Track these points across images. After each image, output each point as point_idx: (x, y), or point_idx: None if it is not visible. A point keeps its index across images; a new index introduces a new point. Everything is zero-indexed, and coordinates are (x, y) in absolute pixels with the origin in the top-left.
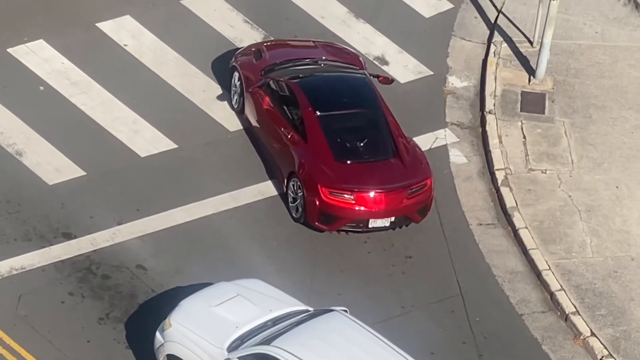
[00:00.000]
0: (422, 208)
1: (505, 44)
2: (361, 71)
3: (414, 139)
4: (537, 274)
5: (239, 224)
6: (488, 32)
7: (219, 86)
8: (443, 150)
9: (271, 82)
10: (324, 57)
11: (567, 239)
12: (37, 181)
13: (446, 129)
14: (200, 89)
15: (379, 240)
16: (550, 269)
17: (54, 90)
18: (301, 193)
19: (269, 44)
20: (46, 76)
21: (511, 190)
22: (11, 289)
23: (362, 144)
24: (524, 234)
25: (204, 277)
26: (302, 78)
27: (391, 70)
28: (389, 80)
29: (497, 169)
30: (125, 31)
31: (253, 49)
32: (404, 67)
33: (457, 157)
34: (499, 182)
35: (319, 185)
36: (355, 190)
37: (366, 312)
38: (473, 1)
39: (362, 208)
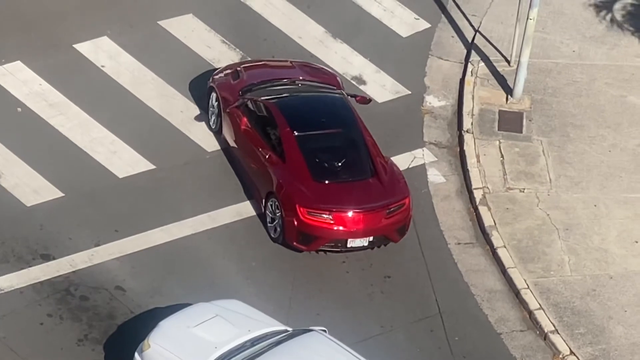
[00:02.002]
0: (400, 227)
1: (482, 63)
2: (338, 91)
3: (392, 158)
4: (516, 292)
5: (217, 244)
6: (465, 51)
7: (197, 107)
8: (421, 169)
9: (249, 102)
10: (301, 77)
11: (546, 257)
12: (15, 203)
13: (424, 148)
14: (178, 110)
15: (357, 259)
16: (528, 287)
17: (32, 111)
18: (279, 213)
19: (246, 64)
20: (24, 98)
21: (489, 209)
22: None
23: (340, 164)
24: (503, 253)
25: (183, 298)
26: (280, 98)
27: (369, 89)
28: (366, 100)
29: (475, 188)
30: (102, 52)
31: (230, 70)
32: (381, 87)
33: (435, 176)
34: (477, 201)
35: (297, 205)
36: (334, 210)
37: (345, 332)
38: (450, 20)
39: (341, 228)
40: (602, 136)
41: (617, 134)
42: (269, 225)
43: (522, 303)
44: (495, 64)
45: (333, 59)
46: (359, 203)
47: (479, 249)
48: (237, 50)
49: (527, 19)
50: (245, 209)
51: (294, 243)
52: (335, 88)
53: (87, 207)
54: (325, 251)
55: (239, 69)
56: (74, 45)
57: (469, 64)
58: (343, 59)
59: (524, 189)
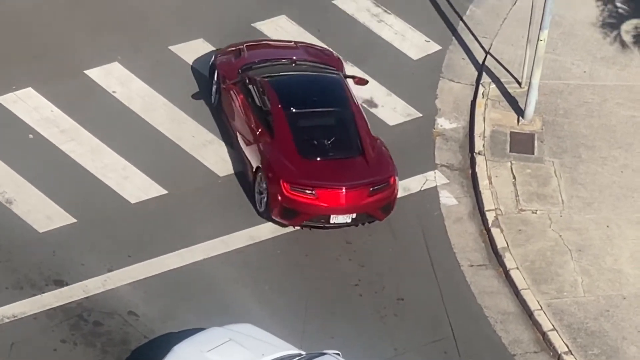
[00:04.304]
0: (385, 206)
1: (493, 85)
2: (336, 71)
3: (403, 180)
4: (529, 314)
5: (230, 268)
6: (476, 73)
7: (208, 131)
8: (433, 192)
9: (246, 80)
10: (301, 57)
11: (559, 278)
12: (28, 229)
13: (436, 170)
14: (190, 135)
15: (370, 282)
16: (542, 309)
17: (43, 138)
18: (265, 187)
19: (250, 43)
20: (35, 124)
21: (502, 231)
22: (3, 338)
23: (327, 142)
24: (516, 275)
25: (196, 323)
26: (275, 76)
27: (380, 112)
28: (364, 81)
29: (488, 210)
30: (113, 78)
31: (234, 48)
32: (392, 110)
33: (447, 198)
34: (490, 223)
35: (281, 180)
36: (317, 186)
37: (359, 354)
38: (461, 43)
39: (323, 204)
40: (613, 157)
41: (629, 155)
42: (256, 199)
43: (536, 324)
44: (506, 85)
45: None
46: (342, 180)
47: (491, 270)
48: None
49: (538, 40)
50: (257, 233)
51: (277, 217)
52: (334, 69)
53: (99, 233)
54: (309, 227)
55: (241, 47)
56: (85, 71)
57: (480, 85)
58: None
59: (536, 210)
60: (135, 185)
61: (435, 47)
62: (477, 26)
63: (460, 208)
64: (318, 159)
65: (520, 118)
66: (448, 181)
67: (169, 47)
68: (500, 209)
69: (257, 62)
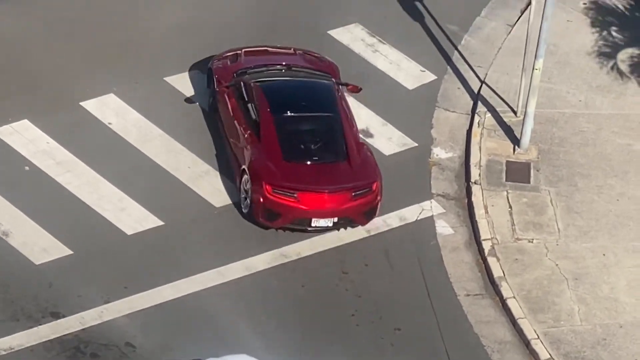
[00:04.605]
0: (367, 211)
1: (489, 114)
2: (329, 78)
3: (399, 210)
4: (526, 343)
5: (227, 299)
6: (472, 102)
7: (204, 162)
8: (429, 221)
9: (238, 83)
10: (297, 64)
11: (555, 307)
12: (24, 261)
13: (432, 200)
14: (186, 166)
15: (367, 312)
16: (539, 337)
17: (40, 170)
18: (249, 189)
19: (248, 49)
20: (31, 156)
21: (498, 260)
22: None
23: (313, 146)
24: (512, 304)
25: (193, 354)
26: (266, 81)
27: (376, 142)
28: (357, 89)
29: (484, 239)
30: (109, 109)
31: (231, 53)
32: (388, 140)
33: (443, 228)
34: (486, 252)
35: (263, 182)
36: (298, 189)
37: None
38: (456, 72)
39: (304, 207)
40: (609, 185)
41: (625, 183)
42: (241, 200)
43: (533, 353)
44: (501, 114)
45: None
46: (324, 184)
47: (488, 300)
48: None
49: (533, 69)
50: (253, 264)
51: (260, 219)
52: (328, 75)
53: (96, 265)
54: (291, 229)
55: (239, 52)
56: (81, 103)
57: (476, 115)
58: None
59: (533, 239)
60: (131, 216)
61: (430, 76)
62: (472, 56)
63: (456, 237)
64: (302, 162)
65: (516, 147)
66: (444, 211)
67: (165, 79)
68: (496, 238)
69: (253, 67)
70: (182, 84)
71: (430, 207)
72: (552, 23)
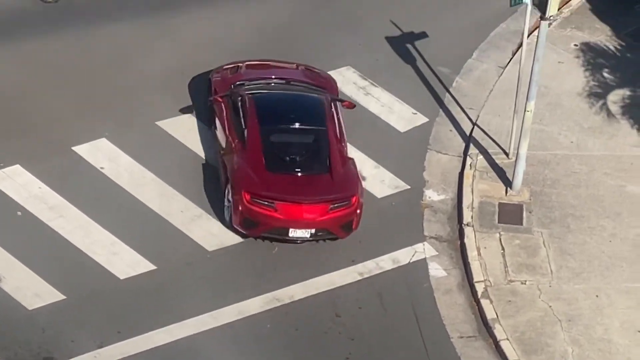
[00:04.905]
0: (345, 224)
1: (481, 156)
2: (323, 93)
3: (392, 253)
4: None
5: (220, 343)
6: (464, 144)
7: (196, 206)
8: (422, 264)
9: (233, 94)
10: (295, 78)
11: (549, 349)
12: (17, 306)
13: (425, 242)
14: (178, 210)
15: (360, 356)
16: None
17: (32, 215)
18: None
19: (250, 62)
20: (23, 201)
21: (491, 302)
22: None
23: (296, 158)
24: (506, 346)
25: None
26: (258, 93)
27: (368, 185)
28: (352, 105)
29: (477, 281)
30: (101, 154)
31: (232, 65)
32: (380, 182)
33: (436, 270)
34: (479, 294)
35: (242, 191)
36: (276, 199)
37: None
38: (448, 114)
39: (281, 216)
40: (602, 226)
41: (617, 224)
42: (225, 209)
43: None
44: (494, 156)
45: None
46: (302, 195)
47: (481, 342)
48: None
49: (525, 111)
50: (246, 308)
51: (238, 227)
52: (323, 90)
53: (88, 309)
54: (269, 239)
55: (240, 65)
56: (73, 148)
57: (468, 157)
58: None
59: (526, 281)
60: (124, 261)
61: (422, 119)
62: (464, 98)
63: (449, 279)
64: (284, 173)
65: (509, 189)
66: (437, 253)
67: (157, 123)
68: (489, 280)
69: (251, 79)
70: (174, 128)
71: (423, 250)
72: (543, 65)
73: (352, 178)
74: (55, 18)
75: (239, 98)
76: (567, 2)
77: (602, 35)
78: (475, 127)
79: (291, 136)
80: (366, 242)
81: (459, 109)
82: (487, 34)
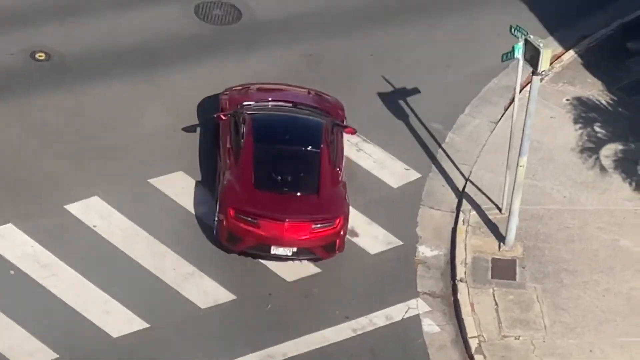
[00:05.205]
0: (328, 245)
1: (474, 212)
2: (325, 117)
3: (385, 309)
4: None
5: None
6: (456, 200)
7: (188, 263)
8: (415, 320)
9: (236, 114)
10: (303, 102)
11: None
12: None
13: (418, 298)
14: (171, 267)
15: None
16: None
17: (24, 273)
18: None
19: (261, 84)
20: (16, 260)
21: (485, 357)
22: None
23: (286, 177)
24: None
25: None
26: (259, 113)
27: (361, 241)
28: (354, 131)
29: (471, 337)
30: (93, 212)
31: (242, 86)
32: (373, 238)
33: (429, 326)
34: (473, 350)
35: (228, 206)
36: (259, 215)
37: None
38: (440, 170)
39: (263, 233)
40: (595, 281)
41: (611, 278)
42: (214, 224)
43: None
44: (486, 212)
45: None
46: (284, 213)
47: None
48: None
49: (517, 166)
50: None
51: (223, 241)
52: (327, 115)
53: None
54: (252, 255)
55: (252, 86)
56: (65, 206)
57: (461, 212)
58: None
59: (519, 336)
60: (117, 319)
61: (415, 174)
62: (457, 153)
63: (443, 335)
64: (271, 191)
65: (502, 244)
66: (430, 309)
67: (149, 180)
68: (483, 336)
69: (258, 100)
70: (166, 185)
71: (416, 306)
72: (535, 120)
73: (339, 200)
74: (47, 76)
75: (241, 117)
76: (559, 57)
77: (594, 90)
78: (468, 182)
79: (283, 156)
80: (359, 298)
81: (451, 164)
82: (479, 90)
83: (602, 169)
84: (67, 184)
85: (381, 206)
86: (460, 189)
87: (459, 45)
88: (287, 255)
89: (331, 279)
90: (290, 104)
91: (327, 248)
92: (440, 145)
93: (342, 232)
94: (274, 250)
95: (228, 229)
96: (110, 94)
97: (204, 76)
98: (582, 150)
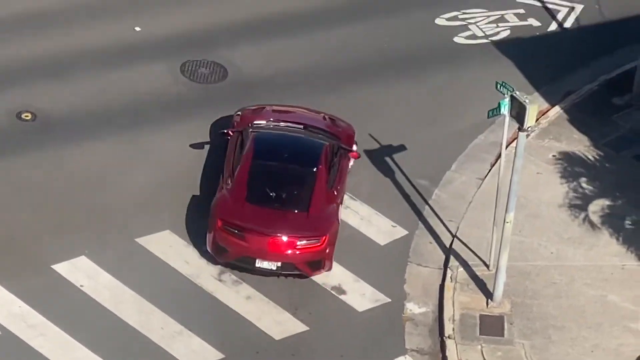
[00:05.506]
0: (313, 262)
1: (461, 269)
2: (330, 140)
3: None
4: None
5: None
6: (444, 257)
7: (176, 322)
8: None
9: (244, 131)
10: (314, 124)
11: None
12: None
13: (406, 355)
14: (158, 327)
15: None
16: None
17: (12, 334)
18: None
19: (277, 105)
20: (3, 320)
21: None
22: None
23: (279, 193)
24: None
25: None
26: (263, 131)
27: (348, 299)
28: (357, 155)
29: None
30: (81, 272)
31: (258, 106)
32: (361, 296)
33: None
34: None
35: (217, 217)
36: (245, 228)
37: None
38: (427, 227)
39: (248, 246)
40: (583, 337)
41: (599, 334)
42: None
43: None
44: (474, 268)
45: None
46: (270, 227)
47: None
48: (216, 265)
49: (504, 222)
50: None
51: (211, 251)
52: (335, 138)
53: None
54: (238, 267)
55: (267, 107)
56: (52, 266)
57: (448, 269)
58: None
59: None
60: None
61: (402, 232)
62: (443, 210)
63: None
64: (262, 206)
65: (489, 300)
66: None
67: (136, 239)
68: None
69: (269, 119)
70: (154, 244)
71: None
72: (522, 176)
73: (328, 219)
74: (33, 136)
75: (245, 135)
76: (545, 113)
77: (580, 146)
78: (455, 239)
79: (279, 173)
80: (348, 356)
81: (438, 221)
82: (465, 146)
83: (590, 224)
84: (54, 244)
85: (368, 263)
86: (448, 245)
87: (444, 102)
88: (271, 270)
89: (319, 337)
90: (301, 126)
91: (311, 265)
92: (427, 202)
93: (327, 250)
94: (259, 263)
95: (215, 239)
96: (96, 153)
97: (190, 135)
98: (569, 206)
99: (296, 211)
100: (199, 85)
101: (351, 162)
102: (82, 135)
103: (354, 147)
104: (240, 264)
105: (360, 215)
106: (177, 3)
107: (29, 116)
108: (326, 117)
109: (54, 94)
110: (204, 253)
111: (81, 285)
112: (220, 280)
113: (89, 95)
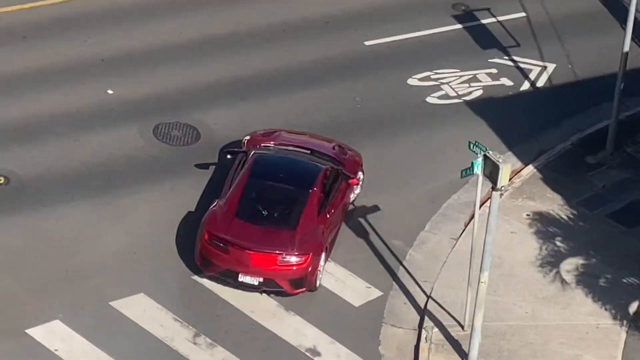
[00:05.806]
0: (295, 279)
1: (436, 329)
2: (331, 165)
3: None
4: None
5: None
6: (418, 318)
7: None
8: None
9: (248, 151)
10: (321, 150)
11: None
12: None
13: None
14: None
15: None
16: None
17: None
18: None
19: (289, 130)
20: None
21: None
22: None
23: (269, 211)
24: None
25: None
26: (264, 152)
27: None
28: (357, 181)
29: None
30: (55, 335)
31: (271, 129)
32: (336, 358)
33: None
34: None
35: (204, 230)
36: (228, 242)
37: None
38: (402, 288)
39: (231, 260)
40: None
41: None
42: None
43: None
44: (449, 329)
45: (287, 332)
46: (253, 243)
47: None
48: (190, 327)
49: (479, 282)
50: None
51: (198, 263)
52: (338, 163)
53: None
54: (222, 281)
55: (277, 131)
56: (26, 330)
57: (423, 330)
58: (296, 331)
59: None
60: None
61: (376, 292)
62: (418, 271)
63: None
64: (251, 222)
65: None
66: None
67: (110, 303)
68: None
69: (277, 143)
70: (128, 308)
71: None
72: (496, 235)
73: (315, 239)
74: (6, 200)
75: (248, 155)
76: (518, 172)
77: (554, 205)
78: (430, 299)
79: (272, 191)
80: None
81: (412, 281)
82: (439, 206)
83: (564, 283)
84: (28, 308)
85: (343, 325)
86: (422, 306)
87: (417, 162)
88: (253, 285)
89: None
90: (307, 150)
91: (293, 283)
92: (401, 263)
93: (310, 269)
94: (241, 277)
95: (201, 251)
96: (70, 216)
97: (164, 197)
98: (543, 265)
99: (283, 229)
100: (171, 147)
101: (356, 191)
102: (56, 198)
103: (359, 175)
104: (223, 277)
105: (335, 277)
106: (148, 66)
107: (2, 180)
108: (335, 144)
109: (26, 158)
110: (178, 316)
111: (55, 350)
112: (195, 344)
113: (62, 158)
